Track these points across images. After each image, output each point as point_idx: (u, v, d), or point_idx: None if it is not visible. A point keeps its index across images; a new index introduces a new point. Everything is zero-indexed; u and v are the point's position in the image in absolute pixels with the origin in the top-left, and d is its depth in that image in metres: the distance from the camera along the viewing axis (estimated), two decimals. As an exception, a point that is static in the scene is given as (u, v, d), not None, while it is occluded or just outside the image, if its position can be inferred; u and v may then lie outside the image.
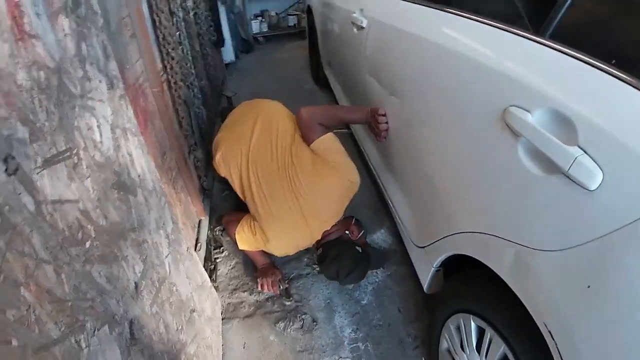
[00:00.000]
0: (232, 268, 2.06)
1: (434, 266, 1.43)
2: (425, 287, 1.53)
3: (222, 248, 2.14)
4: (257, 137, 1.92)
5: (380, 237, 2.17)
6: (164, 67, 1.93)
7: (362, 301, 1.87)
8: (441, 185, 1.34)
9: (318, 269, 2.02)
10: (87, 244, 0.79)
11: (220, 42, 3.68)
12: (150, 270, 1.13)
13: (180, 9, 2.21)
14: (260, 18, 5.78)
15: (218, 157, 2.00)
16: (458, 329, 1.26)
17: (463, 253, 1.17)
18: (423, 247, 1.53)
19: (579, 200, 0.73)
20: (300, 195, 1.80)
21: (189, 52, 2.31)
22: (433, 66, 1.29)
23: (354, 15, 2.18)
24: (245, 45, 5.29)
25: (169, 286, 1.24)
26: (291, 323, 1.78)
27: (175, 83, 2.00)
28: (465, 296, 1.18)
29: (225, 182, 2.22)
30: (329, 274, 1.82)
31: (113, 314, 0.86)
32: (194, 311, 1.42)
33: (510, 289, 0.92)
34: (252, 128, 1.95)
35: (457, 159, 1.18)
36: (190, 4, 2.59)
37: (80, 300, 0.73)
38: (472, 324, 1.15)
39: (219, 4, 3.99)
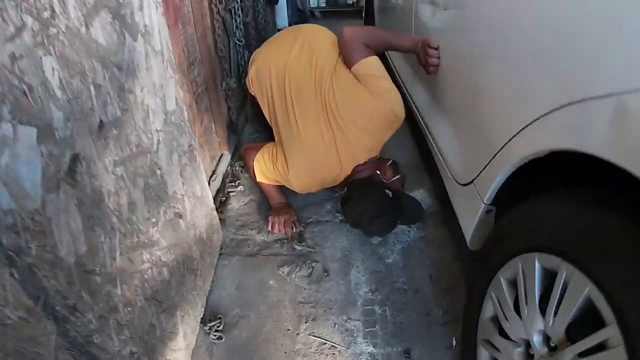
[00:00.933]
0: (244, 204, 1.81)
1: (484, 201, 1.11)
2: (468, 239, 1.22)
3: (238, 182, 1.89)
4: (297, 54, 1.67)
5: (418, 197, 1.84)
6: None
7: (387, 259, 1.56)
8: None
9: (341, 217, 1.73)
10: None
11: (274, -1, 3.46)
12: (127, 124, 0.89)
13: None
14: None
15: (252, 72, 1.77)
16: (511, 283, 0.94)
17: (542, 151, 0.84)
18: (469, 183, 1.23)
19: None
20: (335, 120, 1.54)
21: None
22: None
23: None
24: (300, 16, 5.07)
25: (150, 163, 1.00)
26: (297, 269, 1.50)
27: None
28: (534, 227, 0.84)
29: (258, 122, 1.99)
30: (352, 217, 1.53)
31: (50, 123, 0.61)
32: (180, 216, 1.17)
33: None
34: (292, 44, 1.71)
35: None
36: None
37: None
38: (537, 266, 0.82)
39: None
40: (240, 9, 2.17)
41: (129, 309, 0.88)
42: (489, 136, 1.11)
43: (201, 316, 1.32)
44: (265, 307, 1.38)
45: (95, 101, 0.77)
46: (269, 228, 1.64)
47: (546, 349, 0.83)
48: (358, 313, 1.36)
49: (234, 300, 1.39)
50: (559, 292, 0.74)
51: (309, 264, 1.52)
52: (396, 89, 1.53)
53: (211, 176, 1.76)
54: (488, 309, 1.03)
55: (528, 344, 0.88)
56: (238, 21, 2.10)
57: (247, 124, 2.38)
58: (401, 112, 1.51)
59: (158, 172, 1.05)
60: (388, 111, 1.49)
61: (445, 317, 1.36)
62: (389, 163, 1.65)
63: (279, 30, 3.79)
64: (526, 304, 0.86)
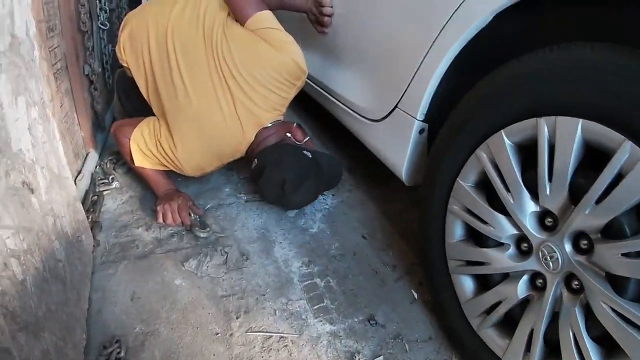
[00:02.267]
0: (123, 202, 1.41)
1: (417, 118, 0.99)
2: (404, 171, 1.09)
3: (111, 178, 1.48)
4: (180, 10, 1.36)
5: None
6: None
7: (311, 229, 1.34)
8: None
9: (246, 197, 1.45)
10: None
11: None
12: None
13: None
14: None
15: (124, 35, 1.40)
16: (475, 184, 0.82)
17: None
18: (390, 112, 1.12)
19: None
20: (233, 78, 1.27)
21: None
22: None
23: None
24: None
25: None
26: (207, 259, 1.18)
27: None
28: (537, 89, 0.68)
29: (130, 101, 1.63)
30: (271, 189, 1.26)
31: None
32: (30, 189, 0.80)
33: None
34: (173, 1, 1.39)
35: None
36: None
37: None
38: (508, 143, 0.67)
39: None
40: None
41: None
42: (409, 49, 1.02)
43: (84, 344, 0.93)
44: (178, 313, 1.03)
45: None
46: (160, 220, 1.29)
47: (544, 231, 0.71)
48: (298, 291, 1.10)
49: (132, 316, 1.02)
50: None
51: (220, 250, 1.21)
52: (295, 42, 1.33)
53: (77, 175, 1.35)
54: (453, 230, 0.90)
55: (517, 241, 0.77)
56: (102, 1, 1.79)
57: (114, 117, 1.97)
58: (303, 62, 1.31)
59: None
60: (292, 63, 1.28)
61: (395, 272, 1.18)
62: (294, 125, 1.43)
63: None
64: (507, 190, 0.73)
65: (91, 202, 1.35)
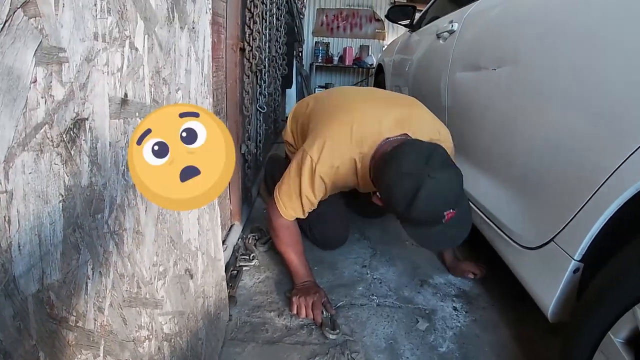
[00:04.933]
0: (259, 282, 1.48)
1: (574, 258, 0.90)
2: (550, 308, 0.97)
3: (252, 256, 1.58)
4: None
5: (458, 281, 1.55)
6: (244, 29, 1.76)
7: (440, 348, 1.22)
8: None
9: (377, 300, 1.41)
10: None
11: (289, 82, 3.43)
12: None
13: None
14: (324, 89, 5.77)
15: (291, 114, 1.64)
16: (627, 342, 0.71)
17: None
18: (546, 244, 1.02)
19: None
20: None
21: (266, 43, 2.03)
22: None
23: (443, 25, 2.00)
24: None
25: None
26: (334, 361, 1.15)
27: (250, 51, 1.75)
28: None
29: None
30: (419, 216, 1.07)
31: None
32: (190, 275, 0.87)
33: None
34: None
35: None
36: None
37: None
38: None
39: (294, 56, 3.85)
40: (266, 75, 2.07)
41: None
42: (574, 186, 0.95)
43: None
44: (295, 412, 1.00)
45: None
46: (294, 311, 1.31)
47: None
48: (419, 418, 1.00)
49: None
50: None
51: (347, 355, 1.17)
52: None
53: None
54: None
55: None
56: (263, 87, 2.01)
57: (257, 196, 2.13)
58: None
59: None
60: None
61: None
62: None
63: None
64: None
65: (230, 275, 1.44)
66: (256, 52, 1.80)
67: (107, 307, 0.54)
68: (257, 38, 1.82)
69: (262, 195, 2.16)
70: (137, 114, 0.63)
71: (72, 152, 0.47)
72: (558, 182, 1.03)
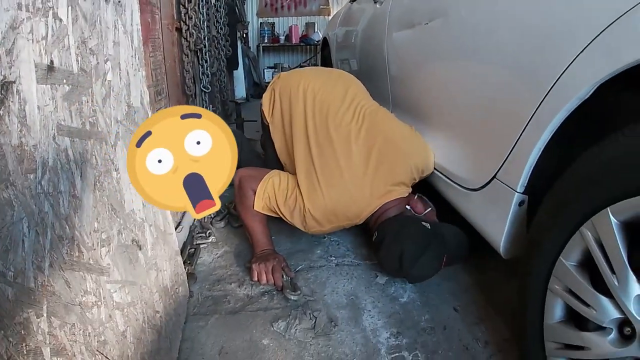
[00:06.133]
0: (218, 257, 1.48)
1: (517, 190, 0.94)
2: (501, 244, 1.01)
3: (208, 232, 1.58)
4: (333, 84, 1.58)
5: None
6: (180, 8, 1.73)
7: (401, 298, 1.27)
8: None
9: (336, 260, 1.45)
10: None
11: (235, 63, 3.38)
12: (83, 89, 0.64)
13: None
14: (273, 69, 5.73)
15: (276, 89, 1.61)
16: (579, 264, 0.74)
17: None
18: (488, 182, 1.08)
19: None
20: (375, 145, 1.40)
21: (204, 23, 1.99)
22: None
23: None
24: (256, 90, 5.05)
25: (105, 156, 0.74)
26: (297, 322, 1.17)
27: (187, 30, 1.70)
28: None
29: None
30: (390, 262, 1.26)
31: None
32: (139, 246, 0.86)
33: None
34: (342, 92, 1.57)
35: None
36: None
37: None
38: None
39: (237, 37, 3.79)
40: (207, 55, 2.04)
41: (60, 360, 0.55)
42: (507, 123, 0.99)
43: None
44: (262, 374, 1.03)
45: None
46: (254, 279, 1.32)
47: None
48: (385, 363, 1.04)
49: (218, 371, 1.03)
50: None
51: (309, 314, 1.20)
52: None
53: (176, 227, 1.45)
54: (553, 311, 0.81)
55: (620, 325, 0.69)
56: (205, 67, 1.98)
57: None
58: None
59: (114, 174, 0.77)
60: (421, 161, 1.43)
61: (486, 349, 1.09)
62: (416, 196, 1.44)
63: (236, 104, 3.61)
64: (612, 272, 0.66)
65: (188, 254, 1.43)
66: (193, 31, 1.77)
67: (47, 268, 0.53)
68: (194, 17, 1.78)
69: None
70: (64, 80, 0.64)
71: (1, 112, 0.48)
72: (493, 122, 1.08)
